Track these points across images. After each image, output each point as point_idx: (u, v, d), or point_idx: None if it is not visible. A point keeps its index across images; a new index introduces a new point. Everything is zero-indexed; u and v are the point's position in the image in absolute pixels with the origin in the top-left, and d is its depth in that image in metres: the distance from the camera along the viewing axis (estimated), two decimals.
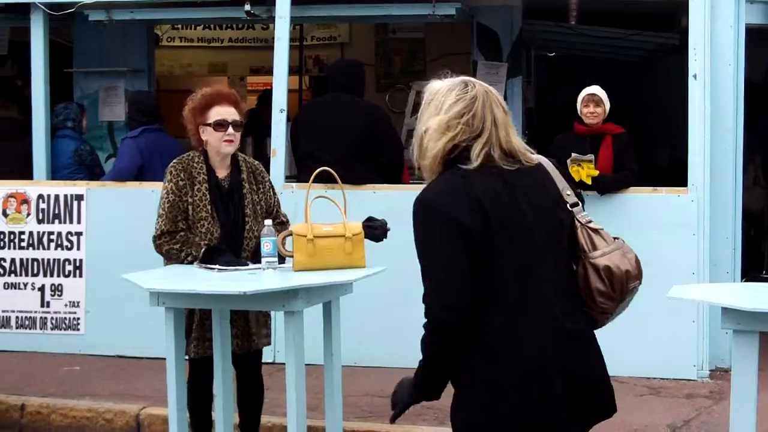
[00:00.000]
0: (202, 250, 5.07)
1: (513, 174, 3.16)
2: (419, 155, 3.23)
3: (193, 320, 5.17)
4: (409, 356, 7.21)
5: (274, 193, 5.44)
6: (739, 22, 7.51)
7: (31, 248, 7.92)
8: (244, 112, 5.41)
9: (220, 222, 5.17)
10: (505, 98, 9.43)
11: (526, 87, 10.30)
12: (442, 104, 3.17)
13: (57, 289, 7.90)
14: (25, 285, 7.93)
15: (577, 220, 3.25)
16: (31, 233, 7.93)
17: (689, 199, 7.12)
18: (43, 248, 7.91)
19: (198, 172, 5.20)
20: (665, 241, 6.99)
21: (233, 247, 5.17)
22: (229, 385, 5.14)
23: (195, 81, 13.91)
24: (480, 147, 3.14)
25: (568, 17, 10.23)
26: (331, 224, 5.06)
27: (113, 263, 7.21)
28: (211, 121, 5.18)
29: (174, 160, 5.28)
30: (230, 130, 5.18)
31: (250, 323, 5.27)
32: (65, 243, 7.89)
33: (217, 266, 4.95)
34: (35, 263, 7.92)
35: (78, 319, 7.88)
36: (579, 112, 7.41)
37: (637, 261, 3.29)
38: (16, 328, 7.93)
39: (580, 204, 3.30)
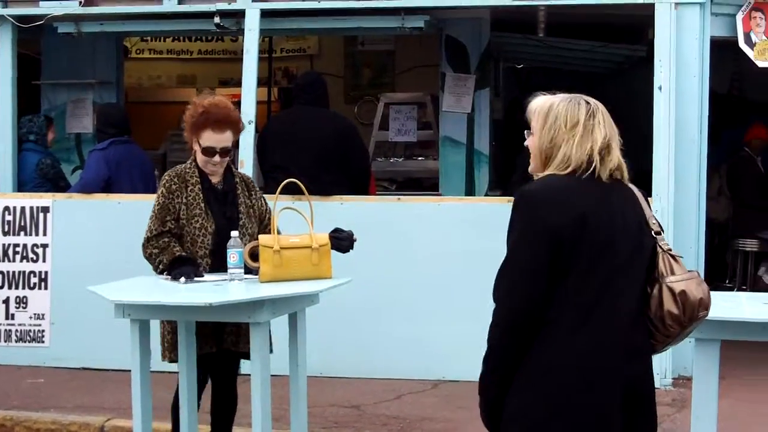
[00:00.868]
0: (172, 259, 5.07)
1: (613, 189, 3.27)
2: (544, 168, 3.30)
3: (171, 324, 5.12)
4: (375, 367, 7.28)
5: (266, 203, 5.43)
6: (704, 35, 7.59)
7: None
8: (240, 130, 5.37)
9: (214, 217, 5.19)
10: (473, 110, 9.61)
11: (494, 99, 10.34)
12: (575, 121, 3.25)
13: (22, 301, 7.85)
14: None
15: (660, 246, 3.36)
16: None
17: (654, 208, 7.18)
18: (9, 260, 7.86)
19: (191, 176, 5.25)
20: None
21: (225, 242, 5.12)
22: (194, 396, 5.12)
23: (164, 93, 13.92)
24: (614, 162, 3.26)
25: (536, 30, 10.28)
26: (297, 235, 5.07)
27: (79, 275, 7.17)
28: (201, 143, 5.19)
29: (169, 170, 5.34)
30: (216, 158, 5.20)
31: (241, 328, 5.13)
32: (31, 255, 7.85)
33: (183, 278, 4.95)
34: (0, 275, 7.87)
35: (43, 331, 7.84)
36: None
37: (709, 292, 3.41)
38: None
39: (662, 233, 3.43)
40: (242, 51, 7.91)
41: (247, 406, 4.79)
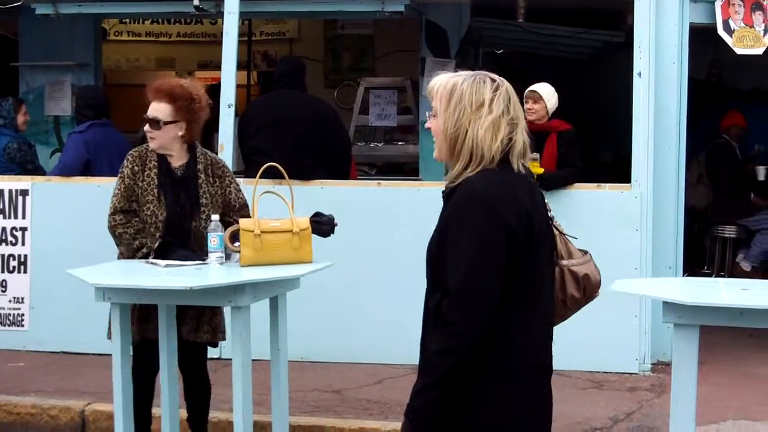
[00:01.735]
0: (157, 243, 5.06)
1: (524, 176, 3.13)
2: (451, 153, 3.09)
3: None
4: (356, 352, 7.29)
5: (238, 191, 5.37)
6: (684, 21, 7.62)
7: None
8: (187, 107, 5.23)
9: (166, 205, 5.15)
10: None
11: None
12: (480, 101, 3.05)
13: (1, 285, 7.81)
14: None
15: (556, 228, 3.30)
16: None
17: (632, 195, 7.21)
18: None
19: (150, 160, 5.22)
20: (609, 236, 7.06)
21: (179, 232, 5.14)
22: (174, 379, 5.12)
23: (142, 75, 13.83)
24: (519, 146, 3.09)
25: (516, 15, 10.30)
26: (278, 219, 5.07)
27: (59, 259, 7.15)
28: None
29: (132, 150, 5.31)
30: (146, 127, 5.21)
31: (203, 316, 5.19)
32: (9, 238, 7.81)
33: (164, 262, 4.95)
34: None
35: (22, 315, 7.81)
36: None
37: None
38: None
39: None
40: (222, 34, 7.88)
41: (228, 391, 4.79)
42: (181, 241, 5.14)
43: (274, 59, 12.71)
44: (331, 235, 5.23)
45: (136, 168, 5.20)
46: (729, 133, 10.32)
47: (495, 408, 3.04)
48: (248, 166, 7.46)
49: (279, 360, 5.13)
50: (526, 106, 7.37)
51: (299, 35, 13.13)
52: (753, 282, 4.91)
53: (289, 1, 8.33)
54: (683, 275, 7.81)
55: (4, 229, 7.82)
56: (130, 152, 5.28)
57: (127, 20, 12.83)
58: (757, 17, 7.66)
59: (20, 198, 7.81)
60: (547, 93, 7.39)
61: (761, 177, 10.46)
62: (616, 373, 7.19)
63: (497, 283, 2.97)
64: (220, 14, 7.95)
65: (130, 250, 5.18)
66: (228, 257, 5.03)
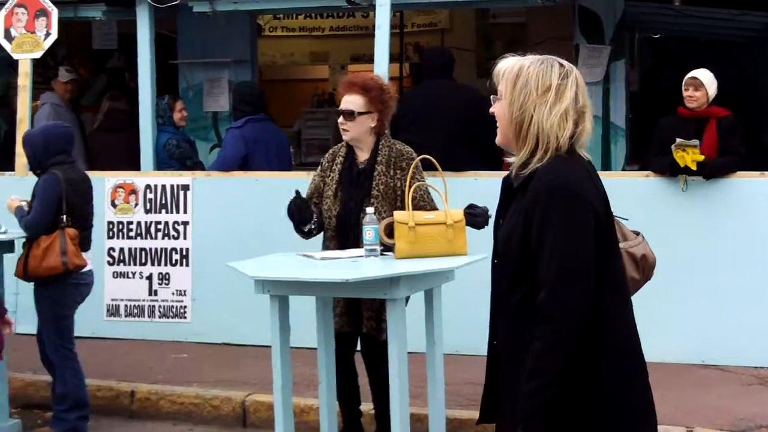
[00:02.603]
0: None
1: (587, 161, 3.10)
2: (517, 137, 3.03)
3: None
4: None
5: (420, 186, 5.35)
6: None
7: (139, 238, 8.09)
8: (376, 98, 5.35)
9: (341, 202, 5.30)
10: (607, 81, 9.43)
11: (630, 70, 10.13)
12: (547, 85, 3.00)
13: (164, 278, 8.05)
14: (134, 274, 8.10)
15: None
16: (138, 223, 8.10)
17: None
18: (151, 238, 8.07)
19: (339, 154, 5.43)
20: None
21: (348, 225, 5.26)
22: (332, 371, 5.17)
23: (297, 70, 14.07)
24: (586, 132, 3.04)
25: None
26: (432, 212, 5.06)
27: (219, 252, 7.33)
28: None
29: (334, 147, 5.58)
30: (340, 119, 5.32)
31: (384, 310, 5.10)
32: (172, 232, 8.03)
33: (319, 255, 5.01)
34: (143, 252, 8.09)
35: (185, 307, 8.03)
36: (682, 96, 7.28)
37: None
38: (125, 316, 8.11)
39: None
40: (374, 26, 7.92)
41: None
42: (352, 235, 5.24)
43: (429, 49, 12.69)
44: (486, 226, 5.19)
45: (326, 164, 5.44)
46: None
47: (614, 402, 2.95)
48: None
49: (434, 353, 5.12)
50: (686, 93, 7.18)
51: (451, 26, 13.09)
52: None
53: None
54: None
55: (166, 223, 8.05)
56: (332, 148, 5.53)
57: (281, 16, 13.03)
58: None
59: (182, 193, 8.02)
60: (708, 80, 7.19)
61: None
62: None
63: (592, 269, 2.90)
64: (372, 7, 7.98)
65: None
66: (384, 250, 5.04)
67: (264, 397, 6.39)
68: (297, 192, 5.25)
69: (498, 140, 3.12)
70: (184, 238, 8.02)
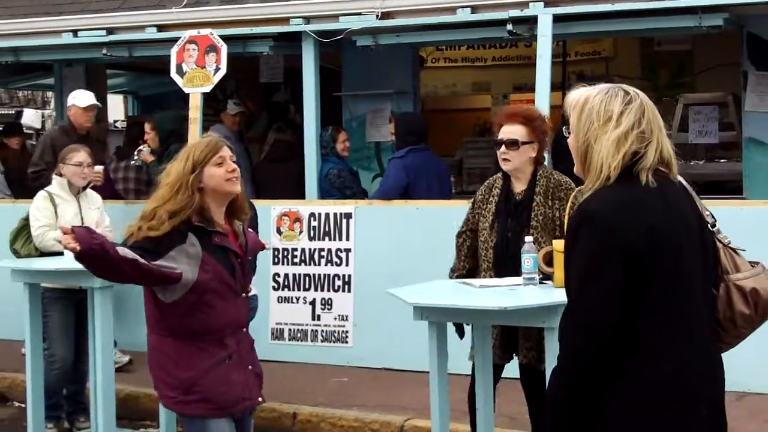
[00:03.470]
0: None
1: (667, 184, 3.03)
2: (583, 168, 3.07)
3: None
4: None
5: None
6: None
7: (303, 264, 8.29)
8: (538, 128, 5.36)
9: (497, 233, 5.28)
10: None
11: None
12: (609, 115, 3.00)
13: (327, 303, 8.21)
14: (298, 299, 8.30)
15: (719, 241, 3.15)
16: (303, 250, 8.29)
17: None
18: (315, 264, 8.25)
19: (495, 187, 5.40)
20: None
21: (505, 256, 5.23)
22: (490, 400, 5.18)
23: (458, 100, 14.14)
24: (651, 157, 3.00)
25: None
26: None
27: (379, 278, 7.43)
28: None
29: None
30: (502, 148, 5.32)
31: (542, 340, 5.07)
32: (335, 259, 8.20)
33: (478, 282, 5.03)
34: (307, 278, 8.27)
35: (347, 332, 8.16)
36: None
37: None
38: (289, 340, 8.30)
39: (717, 225, 3.18)
40: (535, 56, 7.92)
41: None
42: (510, 265, 5.20)
43: (591, 78, 12.59)
44: None
45: (480, 197, 5.43)
46: None
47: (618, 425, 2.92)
48: None
49: None
50: None
51: (615, 53, 12.97)
52: None
53: (603, 20, 8.24)
54: None
55: (329, 250, 8.21)
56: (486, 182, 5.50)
57: (444, 47, 13.14)
58: None
59: (344, 221, 8.18)
60: None
61: None
62: None
63: (607, 303, 2.89)
64: (534, 37, 7.99)
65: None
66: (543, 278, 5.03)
67: (422, 422, 6.43)
68: None
69: (575, 170, 3.15)
70: (347, 264, 8.17)
